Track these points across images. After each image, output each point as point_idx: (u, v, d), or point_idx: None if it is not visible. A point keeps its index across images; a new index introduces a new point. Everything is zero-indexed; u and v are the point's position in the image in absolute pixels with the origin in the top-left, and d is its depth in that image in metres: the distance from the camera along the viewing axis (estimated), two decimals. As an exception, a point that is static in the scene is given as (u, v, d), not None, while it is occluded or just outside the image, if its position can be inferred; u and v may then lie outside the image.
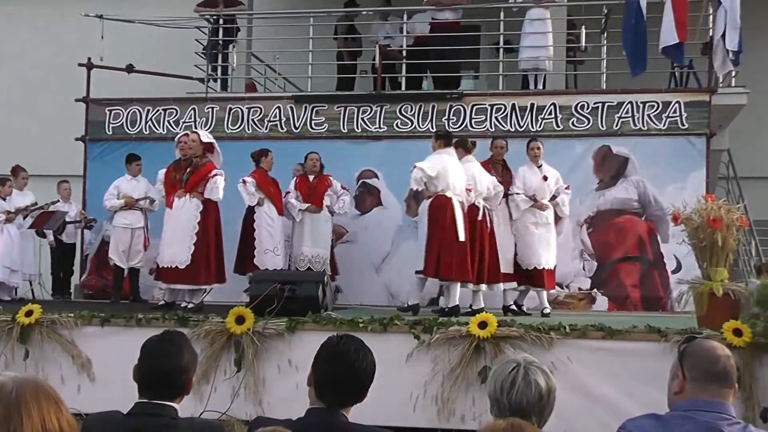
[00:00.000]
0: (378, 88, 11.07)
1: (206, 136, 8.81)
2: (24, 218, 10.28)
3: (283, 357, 6.88)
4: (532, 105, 10.36)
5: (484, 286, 8.31)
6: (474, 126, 10.44)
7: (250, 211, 9.51)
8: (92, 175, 11.17)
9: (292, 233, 9.73)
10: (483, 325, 6.58)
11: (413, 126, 10.56)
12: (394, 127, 10.65)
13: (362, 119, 10.74)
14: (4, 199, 10.22)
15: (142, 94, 11.37)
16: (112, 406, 2.94)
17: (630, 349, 6.51)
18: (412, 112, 10.60)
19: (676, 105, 10.06)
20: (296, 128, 10.88)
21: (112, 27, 11.50)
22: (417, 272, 8.10)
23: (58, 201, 10.74)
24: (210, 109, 11.10)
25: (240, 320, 6.91)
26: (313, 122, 10.86)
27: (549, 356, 6.24)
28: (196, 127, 10.45)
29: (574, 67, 12.17)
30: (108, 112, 11.34)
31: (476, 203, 8.31)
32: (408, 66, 11.38)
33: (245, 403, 6.81)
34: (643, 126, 10.13)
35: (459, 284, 8.00)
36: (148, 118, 11.24)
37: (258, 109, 10.99)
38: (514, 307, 8.71)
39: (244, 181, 9.39)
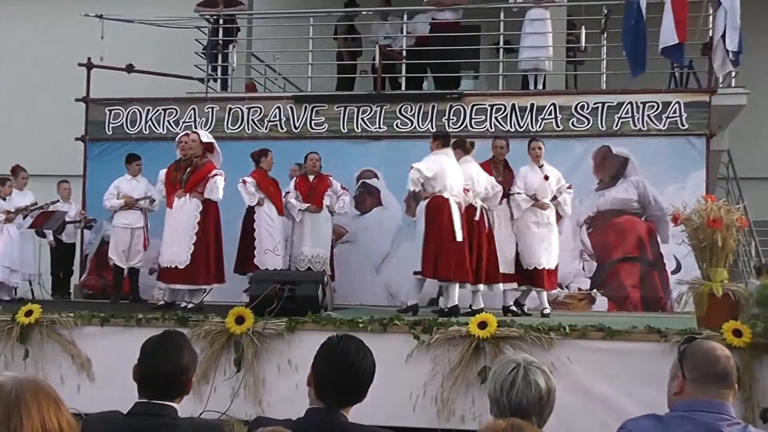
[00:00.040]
0: (378, 88, 11.08)
1: (206, 136, 8.80)
2: (24, 218, 10.29)
3: (282, 357, 6.87)
4: (532, 105, 10.36)
5: (482, 286, 8.31)
6: (474, 126, 10.44)
7: (250, 211, 9.51)
8: (92, 175, 11.17)
9: (292, 233, 9.73)
10: (483, 325, 6.58)
11: (413, 126, 10.56)
12: (394, 127, 10.65)
13: (362, 119, 10.74)
14: (4, 199, 10.22)
15: (142, 94, 11.37)
16: (112, 406, 2.94)
17: (630, 350, 6.51)
18: (412, 112, 10.61)
19: (676, 105, 10.06)
20: (296, 128, 10.88)
21: (112, 27, 11.50)
22: (415, 273, 8.11)
23: (58, 201, 10.74)
24: (210, 109, 11.10)
25: (240, 320, 6.91)
26: (313, 122, 10.86)
27: (549, 356, 6.24)
28: (196, 127, 10.45)
29: (574, 68, 12.17)
30: (108, 112, 11.34)
31: (474, 203, 8.31)
32: (408, 66, 11.38)
33: (245, 403, 6.81)
34: (643, 126, 10.13)
35: (457, 284, 8.01)
36: (148, 118, 11.24)
37: (258, 109, 10.99)
38: (514, 307, 8.70)
39: (243, 181, 9.40)
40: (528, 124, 10.32)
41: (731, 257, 7.04)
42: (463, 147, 8.58)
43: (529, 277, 8.62)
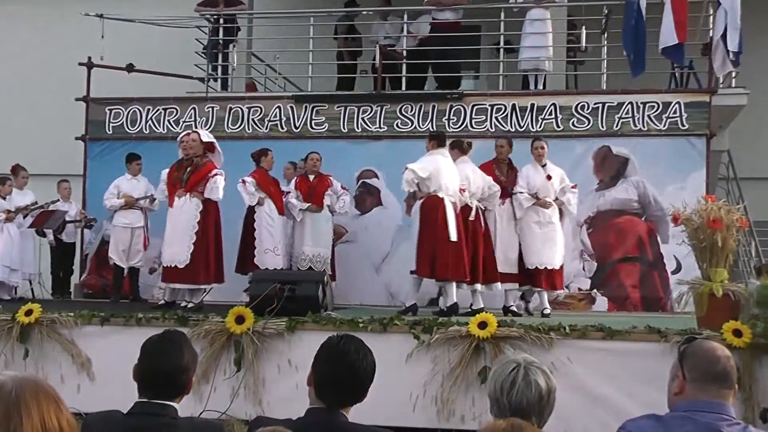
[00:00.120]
0: (378, 88, 11.08)
1: (207, 136, 8.80)
2: (24, 217, 10.29)
3: (283, 357, 6.87)
4: (533, 105, 10.36)
5: (479, 286, 8.32)
6: (474, 126, 10.44)
7: (251, 210, 9.51)
8: (92, 174, 11.17)
9: (292, 233, 9.73)
10: (483, 325, 6.57)
11: (413, 126, 10.56)
12: (395, 127, 10.66)
13: (362, 119, 10.74)
14: (4, 199, 10.22)
15: (143, 93, 11.38)
16: (112, 405, 2.94)
17: (630, 350, 6.51)
18: (413, 112, 10.61)
19: (677, 105, 10.06)
20: (296, 128, 10.88)
21: (113, 26, 11.49)
22: (411, 272, 8.12)
23: (58, 200, 10.74)
24: (210, 109, 11.10)
25: (240, 320, 6.91)
26: (313, 122, 10.86)
27: (549, 357, 6.24)
28: (196, 127, 10.45)
29: (574, 68, 12.17)
30: (108, 112, 11.34)
31: (469, 203, 8.32)
32: (410, 66, 11.38)
33: (245, 403, 6.80)
34: (644, 126, 10.13)
35: (454, 284, 8.02)
36: (149, 118, 11.24)
37: (258, 109, 10.99)
38: (514, 308, 8.68)
39: (243, 181, 9.39)
40: (528, 124, 10.32)
41: (731, 257, 7.03)
42: (460, 147, 8.60)
43: (529, 276, 8.63)
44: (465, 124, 10.46)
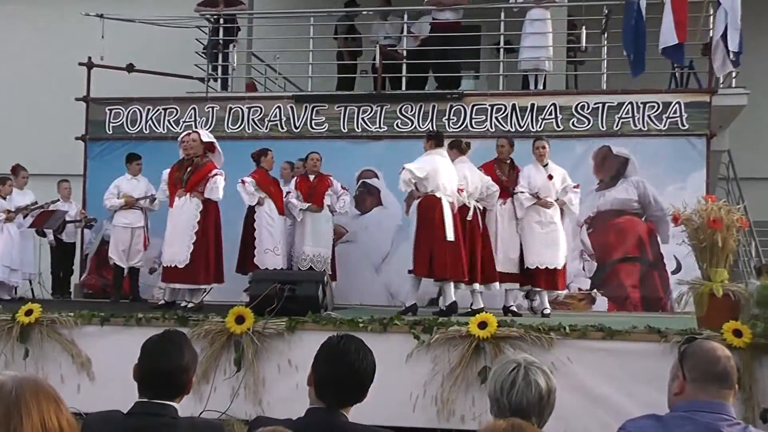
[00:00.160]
0: (378, 88, 11.08)
1: (207, 136, 8.81)
2: (24, 217, 10.29)
3: (283, 357, 6.87)
4: (533, 105, 10.36)
5: (477, 286, 8.32)
6: (474, 126, 10.44)
7: (251, 210, 9.51)
8: (92, 174, 11.17)
9: (293, 233, 9.73)
10: (483, 325, 6.57)
11: (413, 126, 10.56)
12: (395, 127, 10.66)
13: (362, 119, 10.74)
14: (5, 198, 10.22)
15: (143, 93, 11.37)
16: (112, 405, 2.94)
17: (630, 350, 6.51)
18: (413, 112, 10.61)
19: (677, 106, 10.06)
20: (296, 128, 10.88)
21: (113, 26, 11.49)
22: (409, 272, 8.13)
23: (59, 200, 10.74)
24: (210, 109, 11.10)
25: (240, 320, 6.91)
26: (313, 122, 10.86)
27: (549, 356, 6.24)
28: (196, 127, 10.45)
29: (574, 68, 12.17)
30: (108, 112, 11.34)
31: (467, 203, 8.32)
32: (410, 66, 11.38)
33: (245, 403, 6.80)
34: (644, 126, 10.13)
35: (452, 283, 8.03)
36: (149, 118, 11.24)
37: (258, 109, 10.99)
38: (514, 308, 8.68)
39: (243, 182, 9.39)
40: (528, 124, 10.32)
41: (731, 257, 7.03)
42: (459, 147, 8.61)
43: (529, 276, 8.62)
44: (465, 124, 10.46)
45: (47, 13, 14.82)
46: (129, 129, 11.26)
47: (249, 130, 10.96)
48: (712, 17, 10.19)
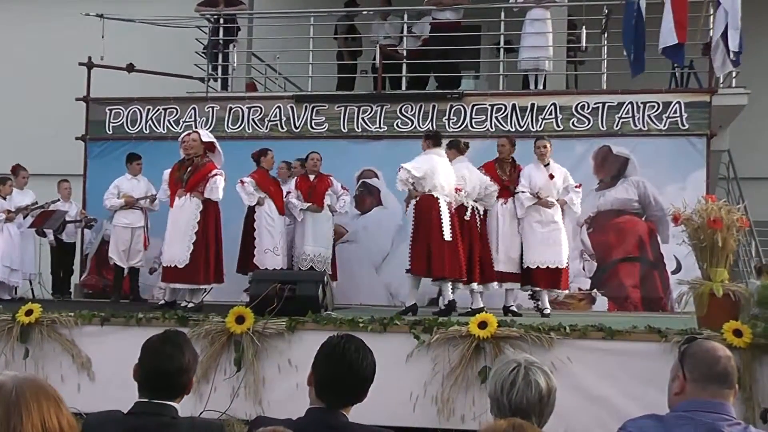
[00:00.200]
0: (378, 88, 11.08)
1: (207, 136, 8.80)
2: (24, 217, 10.29)
3: (283, 357, 6.87)
4: (533, 105, 10.36)
5: (475, 285, 8.32)
6: (474, 126, 10.44)
7: (251, 210, 9.51)
8: (92, 174, 11.18)
9: (294, 233, 9.73)
10: (483, 325, 6.57)
11: (413, 126, 10.55)
12: (395, 126, 10.66)
13: (362, 119, 10.74)
14: (5, 198, 10.22)
15: (143, 93, 11.38)
16: (112, 405, 2.94)
17: (630, 350, 6.51)
18: (413, 111, 10.61)
19: (677, 105, 10.06)
20: (296, 128, 10.88)
21: (113, 26, 11.49)
22: (407, 271, 8.14)
23: (59, 200, 10.73)
24: (210, 109, 11.10)
25: (240, 320, 6.91)
26: (313, 122, 10.86)
27: (549, 356, 6.24)
28: (196, 127, 10.45)
29: (574, 68, 12.17)
30: (108, 112, 11.34)
31: (465, 203, 8.32)
32: (411, 66, 11.38)
33: (245, 403, 6.81)
34: (644, 126, 10.13)
35: (450, 282, 8.03)
36: (149, 118, 11.24)
37: (258, 109, 10.99)
38: (514, 308, 8.67)
39: (242, 182, 9.38)
40: (528, 124, 10.32)
41: (731, 257, 7.03)
42: (457, 147, 8.61)
43: (530, 276, 8.61)
44: (465, 124, 10.46)
45: (47, 13, 14.82)
46: (129, 129, 11.27)
47: (249, 130, 10.96)
48: (712, 17, 10.19)
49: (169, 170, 8.66)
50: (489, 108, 10.45)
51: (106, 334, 7.25)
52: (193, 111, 11.11)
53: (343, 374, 2.79)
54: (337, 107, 10.80)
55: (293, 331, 6.91)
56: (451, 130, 10.22)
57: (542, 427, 2.49)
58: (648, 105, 10.11)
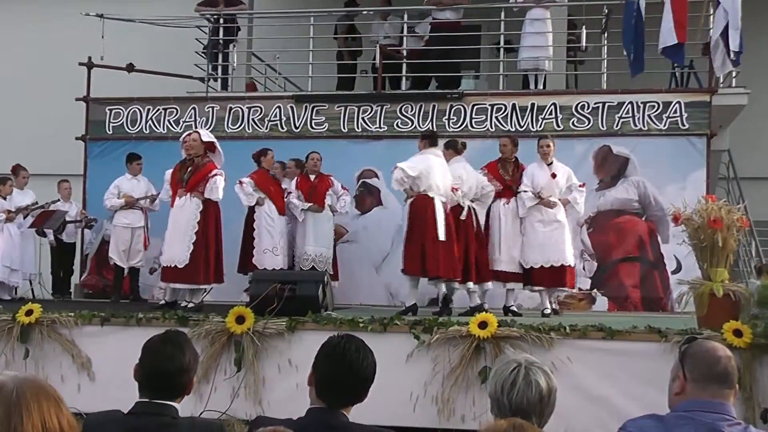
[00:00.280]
0: (378, 87, 11.08)
1: (207, 136, 8.80)
2: (24, 217, 10.29)
3: (283, 357, 6.88)
4: (533, 105, 10.36)
5: (471, 285, 8.32)
6: (474, 126, 10.44)
7: (252, 210, 9.50)
8: (92, 174, 11.18)
9: (294, 233, 9.73)
10: (483, 325, 6.57)
11: (413, 126, 10.55)
12: (395, 126, 10.66)
13: (362, 119, 10.74)
14: (5, 198, 10.22)
15: (143, 93, 11.38)
16: (112, 405, 2.94)
17: (630, 350, 6.51)
18: (413, 111, 10.61)
19: (677, 105, 10.06)
20: (296, 128, 10.88)
21: (113, 26, 11.49)
22: (402, 271, 8.16)
23: (59, 200, 10.73)
24: (210, 109, 11.10)
25: (240, 320, 6.91)
26: (313, 122, 10.86)
27: (549, 356, 6.24)
28: (196, 127, 10.45)
29: (574, 67, 12.17)
30: (108, 112, 11.34)
31: (461, 203, 8.32)
32: (411, 66, 11.38)
33: (245, 403, 6.81)
34: (644, 126, 10.13)
35: (443, 283, 8.04)
36: (149, 118, 11.24)
37: (258, 109, 10.99)
38: (514, 307, 8.66)
39: (240, 182, 9.37)
40: (528, 124, 10.32)
41: (732, 257, 7.03)
42: (454, 147, 8.62)
43: (531, 275, 8.60)
44: (465, 123, 10.46)
45: (47, 13, 14.81)
46: (129, 129, 11.27)
47: (249, 130, 10.96)
48: (712, 17, 10.18)
49: (171, 170, 8.66)
50: (489, 108, 10.45)
51: (106, 334, 7.25)
52: (193, 111, 11.11)
53: (343, 374, 2.79)
54: (337, 107, 10.80)
55: (293, 331, 6.91)
56: (451, 130, 10.22)
57: (542, 427, 2.49)
58: (648, 105, 10.11)
